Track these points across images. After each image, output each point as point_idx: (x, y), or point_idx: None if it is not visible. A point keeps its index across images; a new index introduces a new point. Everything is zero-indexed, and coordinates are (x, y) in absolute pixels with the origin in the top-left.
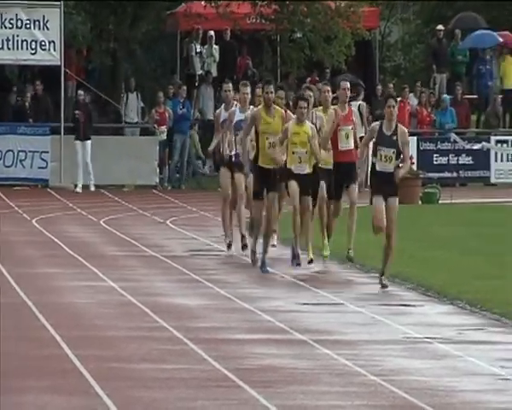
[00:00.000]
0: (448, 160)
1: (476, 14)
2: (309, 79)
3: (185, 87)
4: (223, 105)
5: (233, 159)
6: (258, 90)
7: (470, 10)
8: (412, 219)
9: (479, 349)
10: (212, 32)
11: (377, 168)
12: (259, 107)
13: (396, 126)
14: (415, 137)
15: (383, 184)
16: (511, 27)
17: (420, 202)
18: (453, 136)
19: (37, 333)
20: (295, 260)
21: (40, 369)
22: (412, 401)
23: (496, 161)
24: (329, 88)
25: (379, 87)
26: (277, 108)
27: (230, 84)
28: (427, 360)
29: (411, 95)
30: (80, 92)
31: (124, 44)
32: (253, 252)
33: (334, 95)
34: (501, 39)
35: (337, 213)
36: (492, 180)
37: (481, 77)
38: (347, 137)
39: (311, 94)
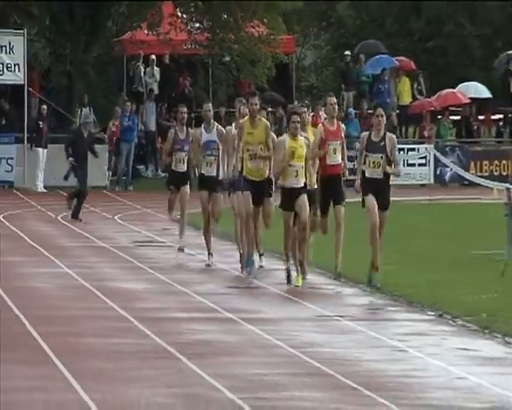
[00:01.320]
0: (354, 164)
1: (377, 42)
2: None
3: (129, 103)
4: (203, 125)
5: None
6: (243, 108)
7: (372, 38)
8: None
9: (379, 326)
10: (153, 56)
11: (366, 174)
12: (245, 118)
13: (384, 134)
14: None
15: (374, 190)
16: (407, 52)
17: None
18: (357, 144)
19: (3, 313)
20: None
21: (6, 344)
22: (324, 369)
23: None
24: (306, 109)
25: (296, 103)
26: (262, 119)
27: (210, 104)
28: (336, 335)
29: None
30: (44, 107)
31: (78, 67)
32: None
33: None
34: (397, 63)
35: (325, 231)
36: (390, 182)
37: (381, 94)
38: (335, 152)
39: (305, 110)
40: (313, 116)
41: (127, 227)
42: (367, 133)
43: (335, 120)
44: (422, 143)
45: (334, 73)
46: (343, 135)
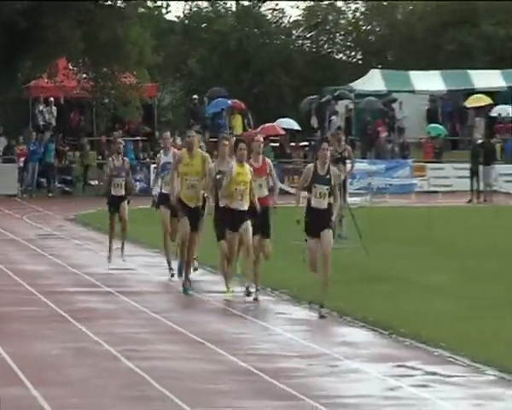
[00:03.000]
0: None
1: (221, 88)
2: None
3: (34, 133)
4: (162, 150)
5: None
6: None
7: (214, 86)
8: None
9: (221, 297)
10: (52, 98)
11: (312, 204)
12: (183, 149)
13: (328, 167)
14: None
15: (317, 219)
16: (239, 96)
17: None
18: None
19: None
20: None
21: None
22: (179, 329)
23: None
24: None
25: (157, 133)
26: (199, 151)
27: (169, 133)
28: (190, 304)
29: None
30: None
31: None
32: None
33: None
34: (231, 103)
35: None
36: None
37: (219, 127)
38: (261, 186)
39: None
40: (173, 140)
41: (32, 224)
42: (312, 165)
43: (260, 157)
44: None
45: (186, 111)
46: (268, 169)
